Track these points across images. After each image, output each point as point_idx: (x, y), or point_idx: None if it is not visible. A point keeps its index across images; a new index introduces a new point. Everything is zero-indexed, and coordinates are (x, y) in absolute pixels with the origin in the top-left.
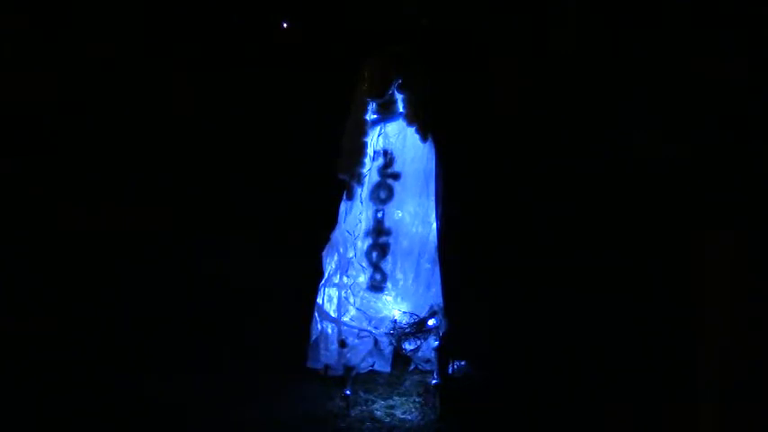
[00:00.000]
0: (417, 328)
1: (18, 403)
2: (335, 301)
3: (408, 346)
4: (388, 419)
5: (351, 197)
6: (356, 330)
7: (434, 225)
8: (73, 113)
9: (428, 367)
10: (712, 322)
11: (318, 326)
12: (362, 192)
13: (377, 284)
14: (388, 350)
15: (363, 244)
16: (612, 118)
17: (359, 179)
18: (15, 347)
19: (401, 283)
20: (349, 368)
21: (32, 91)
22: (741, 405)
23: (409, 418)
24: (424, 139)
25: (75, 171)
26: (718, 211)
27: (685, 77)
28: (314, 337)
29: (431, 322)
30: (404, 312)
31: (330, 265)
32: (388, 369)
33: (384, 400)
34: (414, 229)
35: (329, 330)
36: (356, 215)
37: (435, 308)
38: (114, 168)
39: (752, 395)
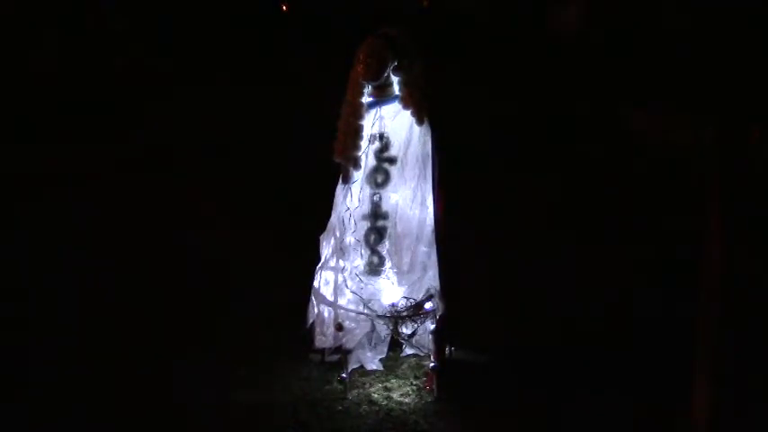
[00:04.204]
0: (414, 311)
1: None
2: (332, 284)
3: (405, 330)
4: (384, 402)
5: (347, 181)
6: (353, 314)
7: (431, 208)
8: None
9: (425, 350)
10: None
11: (315, 309)
12: (359, 175)
13: (374, 268)
14: (384, 333)
15: (361, 228)
16: (613, 102)
17: (355, 163)
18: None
19: (398, 266)
20: (346, 351)
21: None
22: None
23: (406, 400)
24: (420, 122)
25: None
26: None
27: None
28: (311, 321)
29: (428, 305)
30: (401, 296)
31: (327, 248)
32: (384, 352)
33: (381, 383)
34: (411, 213)
35: (326, 314)
36: (353, 199)
37: (432, 291)
38: (113, 157)
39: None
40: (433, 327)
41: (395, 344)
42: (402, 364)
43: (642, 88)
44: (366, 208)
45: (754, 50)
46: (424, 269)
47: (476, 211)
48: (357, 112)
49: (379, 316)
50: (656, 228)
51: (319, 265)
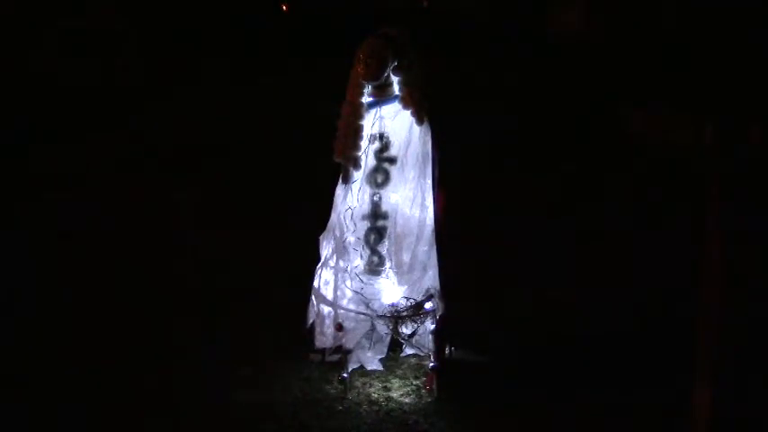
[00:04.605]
0: (414, 311)
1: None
2: (332, 284)
3: (405, 330)
4: (385, 402)
5: (347, 181)
6: (353, 314)
7: (431, 208)
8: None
9: (425, 350)
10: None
11: (315, 309)
12: (359, 175)
13: (374, 268)
14: (384, 333)
15: (361, 228)
16: (613, 102)
17: (355, 163)
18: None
19: (398, 266)
20: (346, 351)
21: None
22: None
23: (406, 400)
24: (420, 122)
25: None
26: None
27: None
28: (311, 321)
29: (428, 305)
30: (401, 296)
31: (327, 248)
32: (384, 352)
33: (381, 382)
34: (411, 213)
35: (326, 314)
36: (353, 199)
37: (432, 291)
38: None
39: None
40: (433, 327)
41: (395, 344)
42: (402, 364)
43: (642, 88)
44: (366, 208)
45: (754, 50)
46: (424, 269)
47: (476, 211)
48: (357, 112)
49: (379, 316)
50: (655, 228)
51: (319, 265)
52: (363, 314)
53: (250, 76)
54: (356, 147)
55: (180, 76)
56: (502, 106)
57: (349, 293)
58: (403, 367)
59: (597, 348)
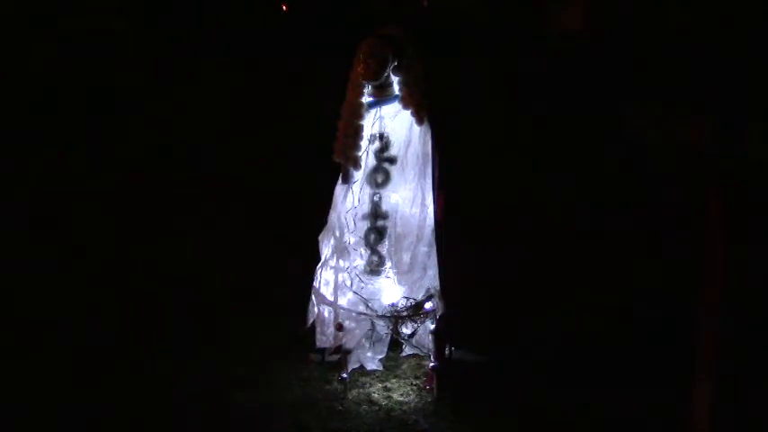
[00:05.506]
0: (414, 311)
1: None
2: (332, 284)
3: (405, 330)
4: (385, 402)
5: (347, 181)
6: (353, 314)
7: (431, 208)
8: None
9: (425, 350)
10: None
11: (315, 309)
12: (359, 175)
13: (374, 268)
14: (384, 333)
15: (361, 228)
16: (613, 102)
17: (355, 163)
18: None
19: (398, 266)
20: (346, 351)
21: None
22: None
23: (406, 400)
24: (420, 122)
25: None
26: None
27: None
28: (311, 321)
29: (428, 305)
30: (401, 296)
31: (327, 248)
32: (384, 352)
33: (381, 382)
34: (411, 213)
35: (326, 314)
36: (353, 199)
37: (432, 291)
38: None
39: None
40: (433, 327)
41: (395, 344)
42: (402, 364)
43: (642, 88)
44: (366, 208)
45: (755, 50)
46: (424, 269)
47: (476, 211)
48: (357, 112)
49: (379, 316)
50: (656, 227)
51: (319, 265)
52: (363, 314)
53: (249, 76)
54: (356, 147)
55: (179, 75)
56: (502, 106)
57: (349, 293)
58: (403, 367)
59: (598, 348)
